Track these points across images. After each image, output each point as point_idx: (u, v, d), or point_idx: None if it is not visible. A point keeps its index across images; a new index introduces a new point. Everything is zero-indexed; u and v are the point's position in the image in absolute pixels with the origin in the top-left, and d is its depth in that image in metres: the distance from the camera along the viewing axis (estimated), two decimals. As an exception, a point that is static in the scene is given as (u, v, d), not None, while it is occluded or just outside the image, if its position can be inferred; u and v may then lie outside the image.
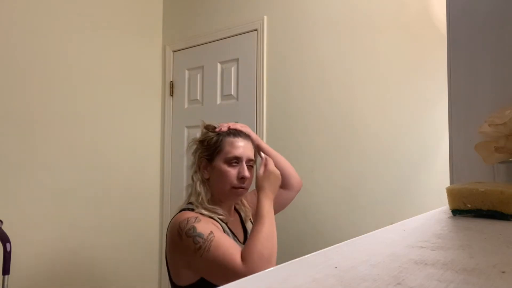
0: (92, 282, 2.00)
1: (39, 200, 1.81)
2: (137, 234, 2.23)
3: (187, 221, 1.00)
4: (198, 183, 1.12)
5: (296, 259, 0.30)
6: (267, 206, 1.03)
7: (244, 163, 1.12)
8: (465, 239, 0.41)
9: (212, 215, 1.08)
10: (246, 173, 1.11)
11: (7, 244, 1.47)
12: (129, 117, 2.23)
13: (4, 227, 1.57)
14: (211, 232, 0.97)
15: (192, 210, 1.08)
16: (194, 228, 0.97)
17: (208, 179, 1.13)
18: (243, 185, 1.11)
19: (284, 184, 1.26)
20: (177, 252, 1.04)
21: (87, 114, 2.02)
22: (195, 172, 1.14)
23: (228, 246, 0.95)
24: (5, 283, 1.47)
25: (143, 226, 2.28)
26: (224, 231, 1.06)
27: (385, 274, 0.27)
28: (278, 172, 1.10)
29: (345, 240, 0.37)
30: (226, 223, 1.11)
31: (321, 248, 0.34)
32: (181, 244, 0.99)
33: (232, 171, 1.10)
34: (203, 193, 1.10)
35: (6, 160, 1.72)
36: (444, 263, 0.29)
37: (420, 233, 0.43)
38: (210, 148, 1.13)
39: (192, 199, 1.12)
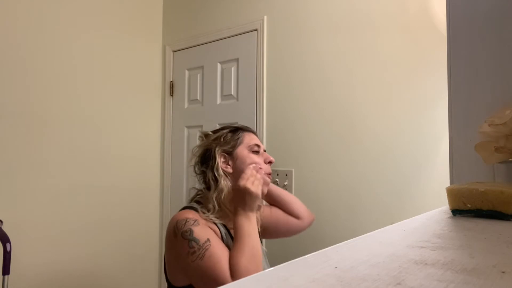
0: (92, 281, 2.00)
1: (39, 200, 1.81)
2: (137, 234, 2.23)
3: (185, 221, 0.99)
4: (221, 179, 1.08)
5: (296, 259, 0.30)
6: (246, 226, 1.00)
7: (263, 151, 1.17)
8: (465, 239, 0.41)
9: (217, 220, 1.06)
10: (272, 157, 1.16)
11: (7, 244, 1.47)
12: (129, 117, 2.23)
13: (4, 227, 1.57)
14: (208, 239, 0.95)
15: (196, 210, 1.06)
16: (191, 231, 0.96)
17: (231, 173, 1.11)
18: (270, 172, 1.15)
19: (289, 211, 1.30)
20: (172, 251, 1.03)
21: (87, 114, 2.02)
22: (217, 169, 1.10)
23: (221, 258, 0.93)
24: (5, 283, 1.47)
25: (143, 225, 2.28)
26: (222, 237, 1.04)
27: (385, 274, 0.27)
28: (255, 190, 1.02)
29: (345, 240, 0.37)
30: (227, 229, 1.10)
31: (321, 248, 0.34)
32: (175, 244, 0.99)
33: (258, 158, 1.13)
34: (226, 190, 1.08)
35: (6, 160, 1.71)
36: (444, 263, 0.29)
37: (420, 233, 0.43)
38: (230, 141, 1.13)
39: (213, 195, 1.07)
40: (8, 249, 1.46)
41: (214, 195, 1.07)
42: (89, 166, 2.01)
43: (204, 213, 1.05)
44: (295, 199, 1.34)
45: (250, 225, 1.01)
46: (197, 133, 2.23)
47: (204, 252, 0.93)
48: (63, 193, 1.90)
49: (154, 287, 2.31)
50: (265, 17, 1.95)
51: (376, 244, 0.37)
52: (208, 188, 1.12)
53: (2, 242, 1.48)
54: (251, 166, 1.09)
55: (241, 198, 1.03)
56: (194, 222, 0.99)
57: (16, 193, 1.74)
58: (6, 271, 1.46)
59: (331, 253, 0.33)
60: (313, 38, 1.77)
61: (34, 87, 1.82)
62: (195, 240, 0.95)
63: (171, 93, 2.38)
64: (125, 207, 2.17)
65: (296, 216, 1.31)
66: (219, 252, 0.95)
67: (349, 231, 1.58)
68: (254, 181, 1.04)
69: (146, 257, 2.28)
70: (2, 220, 1.63)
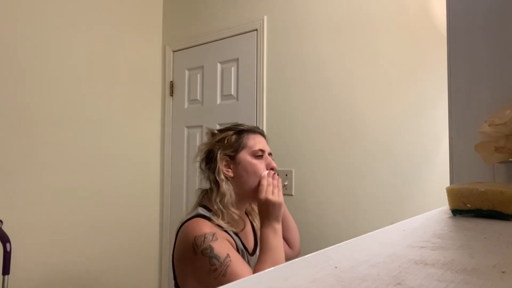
0: (91, 282, 2.00)
1: (39, 200, 1.81)
2: (137, 234, 2.23)
3: (204, 238, 0.98)
4: (223, 183, 1.08)
5: (296, 259, 0.30)
6: (271, 239, 1.01)
7: (267, 156, 1.14)
8: (465, 239, 0.41)
9: (229, 229, 1.06)
10: (274, 163, 1.13)
11: (7, 244, 1.47)
12: (129, 117, 2.23)
13: (4, 227, 1.57)
14: (228, 255, 0.96)
15: (209, 219, 1.04)
16: (211, 248, 0.96)
17: (232, 178, 1.11)
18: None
19: (287, 238, 1.28)
20: (189, 265, 1.02)
21: (87, 114, 2.02)
22: (218, 172, 1.10)
23: (244, 273, 0.95)
24: (5, 283, 1.47)
25: (143, 225, 2.28)
26: (237, 249, 1.05)
27: (385, 274, 0.27)
28: (277, 199, 1.05)
29: (345, 240, 0.37)
30: (238, 236, 1.10)
31: (321, 248, 0.34)
32: (195, 260, 0.98)
33: (260, 164, 1.11)
34: (228, 194, 1.07)
35: (6, 160, 1.71)
36: (444, 263, 0.29)
37: (420, 233, 0.43)
38: (233, 145, 1.12)
39: (216, 199, 1.07)
40: (8, 249, 1.46)
41: (218, 199, 1.08)
42: (88, 166, 2.01)
43: (216, 221, 1.05)
44: (297, 230, 1.34)
45: (275, 237, 1.02)
46: (196, 133, 2.23)
47: (226, 268, 0.94)
48: (63, 193, 1.90)
49: (154, 287, 2.31)
50: (265, 17, 1.95)
51: (376, 244, 0.37)
52: (211, 188, 1.12)
53: (2, 242, 1.48)
54: (265, 174, 1.09)
55: (265, 211, 1.04)
56: (213, 237, 0.99)
57: (16, 193, 1.74)
58: (6, 271, 1.46)
59: (331, 253, 0.33)
60: (313, 38, 1.77)
61: (34, 87, 1.82)
62: (216, 257, 0.95)
63: (171, 93, 2.38)
64: (125, 207, 2.17)
65: (290, 245, 1.31)
66: (240, 268, 0.96)
67: (349, 231, 1.58)
68: (273, 190, 1.05)
69: (146, 258, 2.28)
70: (2, 220, 1.63)
